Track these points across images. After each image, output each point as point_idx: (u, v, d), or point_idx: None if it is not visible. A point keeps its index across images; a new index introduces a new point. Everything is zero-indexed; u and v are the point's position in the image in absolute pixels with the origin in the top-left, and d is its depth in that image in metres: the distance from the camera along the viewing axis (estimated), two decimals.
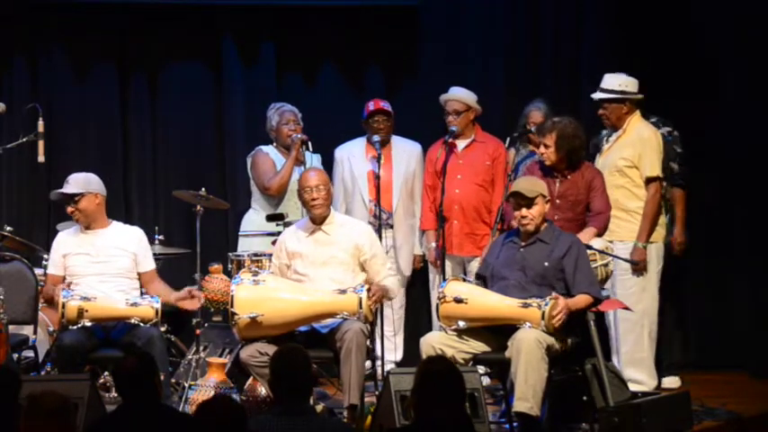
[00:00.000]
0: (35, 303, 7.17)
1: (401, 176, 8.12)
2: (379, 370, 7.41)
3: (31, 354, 7.16)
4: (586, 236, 7.02)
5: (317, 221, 6.98)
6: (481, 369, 6.77)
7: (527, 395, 6.27)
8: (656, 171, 7.55)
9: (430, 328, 7.67)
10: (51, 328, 7.51)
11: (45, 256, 7.46)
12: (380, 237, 7.48)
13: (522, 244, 6.70)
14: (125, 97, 8.84)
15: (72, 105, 8.78)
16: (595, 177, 7.27)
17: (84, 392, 5.85)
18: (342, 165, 8.18)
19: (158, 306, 6.81)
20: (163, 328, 6.95)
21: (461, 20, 8.85)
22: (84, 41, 8.73)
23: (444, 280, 7.01)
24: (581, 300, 6.54)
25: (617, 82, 7.64)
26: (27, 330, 7.21)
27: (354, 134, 8.23)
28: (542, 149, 7.22)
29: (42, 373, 7.11)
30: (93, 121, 8.81)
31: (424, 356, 6.34)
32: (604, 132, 7.81)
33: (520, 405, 6.29)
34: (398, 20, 8.84)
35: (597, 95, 7.65)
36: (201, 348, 7.56)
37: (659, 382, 7.72)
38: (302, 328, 6.81)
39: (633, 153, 7.55)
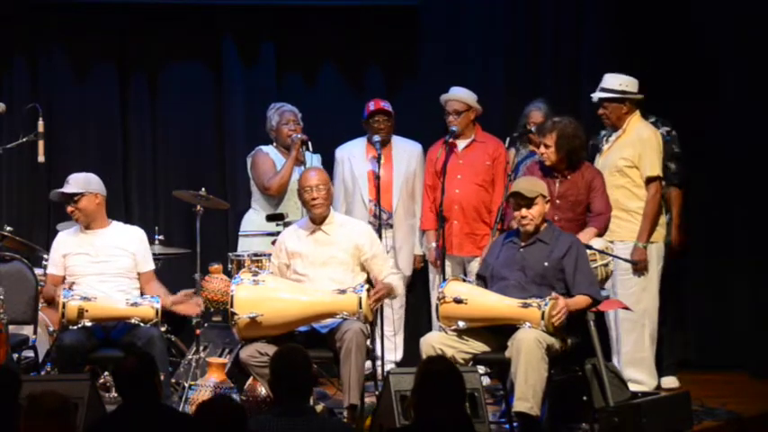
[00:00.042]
0: (35, 303, 7.17)
1: (401, 176, 8.12)
2: (379, 370, 7.41)
3: (31, 354, 7.16)
4: (587, 236, 7.02)
5: (317, 221, 6.97)
6: (481, 369, 6.77)
7: (527, 395, 6.27)
8: (656, 171, 7.55)
9: (430, 328, 7.67)
10: (51, 328, 7.51)
11: (45, 256, 7.46)
12: (380, 237, 7.48)
13: (522, 244, 6.70)
14: (125, 97, 8.84)
15: (72, 105, 8.78)
16: (595, 178, 7.27)
17: (84, 392, 5.85)
18: (342, 165, 8.18)
19: (158, 306, 6.81)
20: (163, 328, 6.95)
21: (461, 20, 8.85)
22: (84, 41, 8.74)
23: (444, 280, 7.01)
24: (580, 300, 6.54)
25: (617, 82, 7.64)
26: (27, 330, 7.21)
27: (354, 134, 8.23)
28: (542, 149, 7.22)
29: (42, 373, 7.11)
30: (93, 121, 8.81)
31: (424, 356, 6.34)
32: (603, 133, 7.81)
33: (520, 405, 6.29)
34: (398, 20, 8.85)
35: (597, 95, 7.65)
36: (201, 348, 7.56)
37: (659, 382, 7.72)
38: (302, 328, 6.81)
39: (633, 153, 7.56)
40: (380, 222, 7.73)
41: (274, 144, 8.07)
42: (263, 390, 6.88)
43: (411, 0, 8.86)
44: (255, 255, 7.61)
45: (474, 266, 7.72)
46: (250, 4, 8.85)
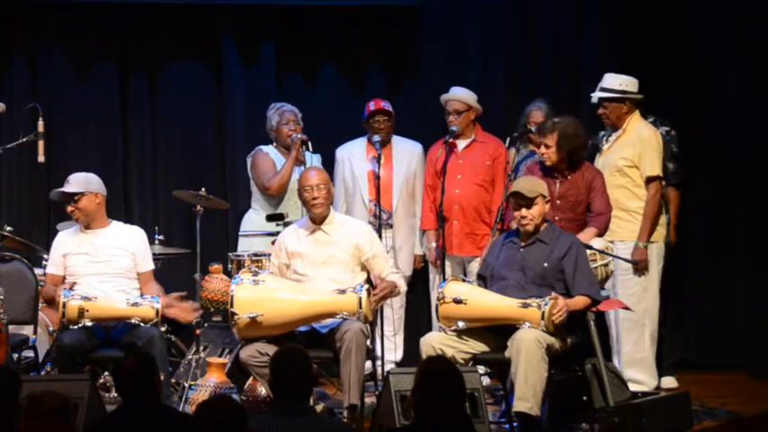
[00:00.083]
0: (35, 303, 7.17)
1: (402, 176, 8.12)
2: (379, 370, 7.41)
3: (31, 354, 7.16)
4: (587, 236, 7.02)
5: (317, 221, 6.97)
6: (481, 369, 6.76)
7: (527, 395, 6.27)
8: (656, 171, 7.55)
9: (430, 328, 7.67)
10: (51, 328, 7.51)
11: (45, 256, 7.46)
12: (380, 237, 7.48)
13: (522, 244, 6.70)
14: (125, 97, 8.85)
15: (72, 105, 8.78)
16: (596, 178, 7.27)
17: (84, 392, 5.85)
18: (342, 165, 8.18)
19: (159, 306, 6.81)
20: (163, 328, 6.95)
21: (461, 20, 8.85)
22: (84, 41, 8.74)
23: (444, 280, 7.01)
24: (580, 301, 6.54)
25: (617, 82, 7.64)
26: (27, 330, 7.21)
27: (354, 134, 8.23)
28: (543, 149, 7.22)
29: (42, 373, 7.10)
30: (93, 121, 8.81)
31: (424, 356, 6.34)
32: (603, 133, 7.81)
33: (520, 405, 6.29)
34: (398, 20, 8.85)
35: (597, 95, 7.65)
36: (201, 348, 7.56)
37: (659, 383, 7.73)
38: (302, 328, 6.81)
39: (633, 153, 7.56)
40: (380, 222, 7.73)
41: (274, 144, 8.07)
42: (263, 390, 6.88)
43: (411, 0, 8.86)
44: (255, 255, 7.61)
45: (474, 266, 7.73)
46: (250, 4, 8.85)
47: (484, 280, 6.78)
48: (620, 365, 7.48)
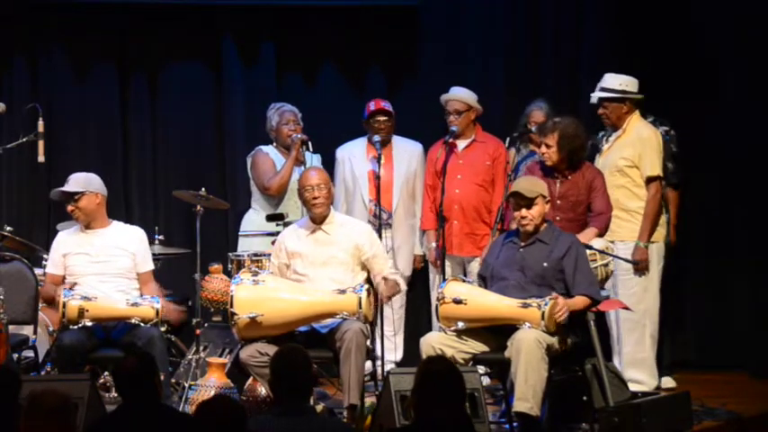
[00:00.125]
0: (35, 303, 7.17)
1: (402, 176, 8.12)
2: (379, 370, 7.41)
3: (31, 354, 7.16)
4: (587, 236, 7.02)
5: (318, 221, 6.97)
6: (481, 369, 6.76)
7: (527, 395, 6.27)
8: (656, 170, 7.55)
9: (430, 328, 7.66)
10: (51, 328, 7.51)
11: (45, 256, 7.46)
12: (380, 237, 7.48)
13: (522, 244, 6.70)
14: (125, 97, 8.84)
15: (72, 105, 8.78)
16: (596, 178, 7.27)
17: (84, 392, 5.85)
18: (343, 165, 8.18)
19: (159, 306, 6.81)
20: (163, 328, 6.95)
21: (461, 20, 8.85)
22: (84, 41, 8.74)
23: (444, 280, 7.01)
24: (580, 301, 6.54)
25: (617, 82, 7.64)
26: (27, 330, 7.21)
27: (355, 134, 8.23)
28: (544, 149, 7.21)
29: (42, 373, 7.10)
30: (93, 121, 8.81)
31: (424, 356, 6.34)
32: (602, 133, 7.81)
33: (520, 405, 6.29)
34: (398, 20, 8.85)
35: (597, 95, 7.65)
36: (201, 348, 7.56)
37: (659, 383, 7.73)
38: (302, 328, 6.81)
39: (633, 153, 7.56)
40: (380, 222, 7.73)
41: (274, 144, 8.07)
42: (263, 390, 6.88)
43: (411, 0, 8.86)
44: (255, 255, 7.61)
45: (474, 266, 7.73)
46: (250, 4, 8.85)
47: (484, 280, 6.78)
48: (621, 366, 7.48)
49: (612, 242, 7.23)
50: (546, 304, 6.39)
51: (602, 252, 6.87)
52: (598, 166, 7.51)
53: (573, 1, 8.89)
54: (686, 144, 8.13)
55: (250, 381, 7.00)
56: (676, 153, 7.93)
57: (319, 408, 6.67)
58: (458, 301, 6.54)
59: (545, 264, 6.61)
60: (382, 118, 8.05)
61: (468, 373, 5.95)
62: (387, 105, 8.07)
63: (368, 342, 6.72)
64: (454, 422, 4.54)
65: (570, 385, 6.65)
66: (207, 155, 8.92)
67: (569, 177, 7.23)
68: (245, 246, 7.95)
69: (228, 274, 7.61)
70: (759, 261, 8.47)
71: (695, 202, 8.38)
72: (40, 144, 7.46)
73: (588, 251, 6.75)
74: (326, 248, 6.93)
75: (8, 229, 7.58)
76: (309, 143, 7.89)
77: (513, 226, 6.91)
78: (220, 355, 7.57)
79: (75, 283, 6.92)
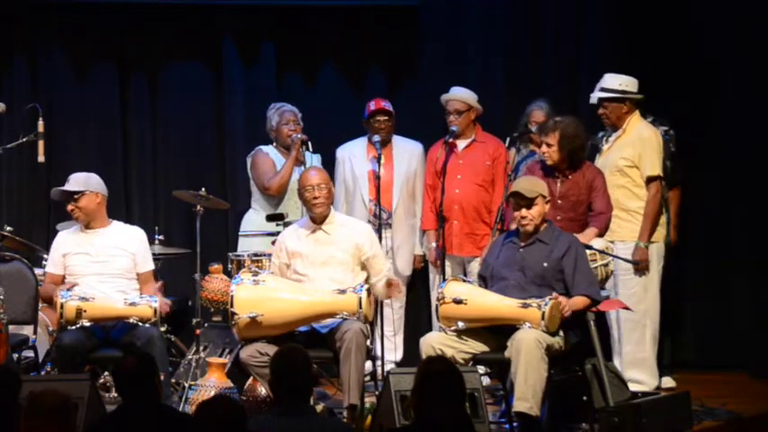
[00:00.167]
0: (35, 303, 7.17)
1: (402, 176, 8.12)
2: (379, 370, 7.41)
3: (31, 354, 7.16)
4: (587, 236, 7.02)
5: (318, 221, 6.97)
6: (481, 369, 6.76)
7: (527, 395, 6.27)
8: (656, 170, 7.55)
9: (430, 328, 7.67)
10: (51, 328, 7.51)
11: (45, 256, 7.46)
12: (380, 236, 7.48)
13: (522, 244, 6.70)
14: (125, 97, 8.84)
15: (72, 105, 8.78)
16: (596, 177, 7.27)
17: (84, 392, 5.85)
18: (343, 164, 8.18)
19: (156, 305, 6.81)
20: (163, 328, 6.95)
21: (461, 20, 8.85)
22: (84, 41, 8.73)
23: (444, 280, 7.01)
24: (580, 301, 6.54)
25: (617, 82, 7.64)
26: (27, 330, 7.21)
27: (355, 134, 8.23)
28: (544, 148, 7.21)
29: (42, 373, 7.10)
30: (93, 121, 8.81)
31: (424, 356, 6.34)
32: (602, 133, 7.81)
33: (520, 405, 6.29)
34: (398, 20, 8.84)
35: (597, 95, 7.65)
36: (201, 348, 7.56)
37: (659, 383, 7.73)
38: (302, 328, 6.81)
39: (633, 153, 7.56)
40: (380, 222, 7.73)
41: (274, 144, 8.07)
42: (263, 390, 6.88)
43: (411, 0, 8.86)
44: (255, 255, 7.61)
45: (474, 266, 7.73)
46: (250, 4, 8.85)
47: (484, 280, 6.78)
48: (622, 366, 7.47)
49: (612, 242, 7.23)
50: (546, 304, 6.39)
51: (602, 252, 6.87)
52: (598, 166, 7.51)
53: (573, 1, 8.89)
54: (686, 144, 8.13)
55: (250, 381, 7.00)
56: (675, 153, 7.93)
57: (319, 408, 6.67)
58: (458, 301, 6.54)
59: (545, 264, 6.61)
60: (382, 118, 8.05)
61: (468, 373, 5.95)
62: (387, 105, 8.07)
63: (368, 342, 6.72)
64: (454, 422, 4.54)
65: (570, 385, 6.65)
66: (207, 155, 8.92)
67: (570, 177, 7.23)
68: (245, 246, 7.95)
69: (228, 274, 7.61)
70: (759, 261, 8.47)
71: (695, 202, 8.38)
72: (40, 144, 7.46)
73: (588, 251, 6.75)
74: (327, 248, 6.93)
75: (8, 229, 7.58)
76: (309, 143, 7.89)
77: (513, 226, 6.91)
78: (220, 355, 7.57)
79: (74, 284, 6.92)
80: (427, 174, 8.04)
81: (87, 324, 6.75)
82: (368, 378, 7.14)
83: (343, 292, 6.70)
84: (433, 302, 7.37)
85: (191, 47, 8.85)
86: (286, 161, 7.92)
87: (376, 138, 7.94)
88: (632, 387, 7.01)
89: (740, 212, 8.60)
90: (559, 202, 7.18)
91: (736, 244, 8.60)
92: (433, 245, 7.88)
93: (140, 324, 6.77)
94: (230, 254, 7.81)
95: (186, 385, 7.24)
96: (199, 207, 7.68)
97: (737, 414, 7.08)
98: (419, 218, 8.12)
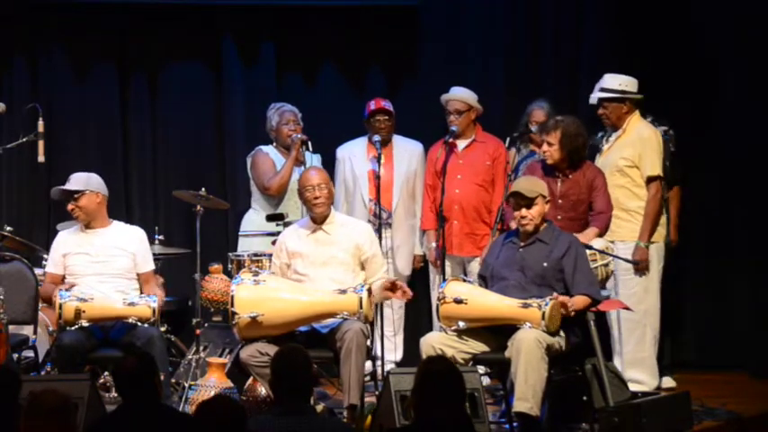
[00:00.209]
0: (35, 303, 7.17)
1: (402, 176, 8.12)
2: (379, 370, 7.41)
3: (31, 354, 7.16)
4: (588, 236, 7.02)
5: (318, 221, 6.97)
6: (481, 369, 6.76)
7: (527, 395, 6.27)
8: (656, 170, 7.55)
9: (430, 328, 7.67)
10: (51, 328, 7.51)
11: (45, 256, 7.46)
12: (380, 236, 7.49)
13: (522, 244, 6.70)
14: (125, 97, 8.84)
15: (72, 105, 8.78)
16: (597, 177, 7.27)
17: (84, 392, 5.85)
18: (343, 164, 8.18)
19: (155, 305, 6.80)
20: (163, 328, 6.94)
21: (461, 20, 8.85)
22: (84, 41, 8.73)
23: (444, 280, 7.01)
24: (580, 300, 6.54)
25: (617, 82, 7.64)
26: (27, 330, 7.21)
27: (355, 134, 8.23)
28: (545, 147, 7.22)
29: (42, 373, 7.10)
30: (93, 121, 8.81)
31: (424, 356, 6.34)
32: (601, 133, 7.81)
33: (520, 405, 6.29)
34: (398, 20, 8.84)
35: (596, 95, 7.65)
36: (201, 348, 7.56)
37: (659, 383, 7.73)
38: (302, 328, 6.81)
39: (633, 153, 7.56)
40: (380, 222, 7.73)
41: (274, 144, 8.07)
42: (263, 390, 6.88)
43: (411, 0, 8.86)
44: (255, 255, 7.61)
45: (474, 266, 7.73)
46: (250, 4, 8.85)
47: (484, 280, 6.78)
48: (622, 366, 7.47)
49: (612, 242, 7.23)
50: (546, 304, 6.39)
51: (602, 252, 6.87)
52: (598, 166, 7.51)
53: (573, 1, 8.89)
54: (686, 144, 8.13)
55: (250, 381, 7.01)
56: (675, 152, 7.93)
57: (319, 408, 6.67)
58: (458, 301, 6.55)
59: (545, 264, 6.61)
60: (383, 117, 8.05)
61: (468, 373, 5.95)
62: (387, 105, 8.07)
63: (368, 342, 6.72)
64: (454, 422, 4.54)
65: (570, 385, 6.65)
66: (207, 155, 8.92)
67: (570, 176, 7.23)
68: (245, 246, 7.95)
69: (228, 274, 7.61)
70: (759, 261, 8.47)
71: (695, 202, 8.38)
72: (40, 144, 7.46)
73: (588, 251, 6.75)
74: (327, 248, 6.93)
75: (8, 229, 7.59)
76: (309, 143, 7.89)
77: (514, 225, 6.91)
78: (220, 355, 7.57)
79: (73, 284, 6.91)
80: (427, 174, 8.04)
81: (86, 324, 6.75)
82: (368, 378, 7.14)
83: (343, 292, 6.70)
84: (434, 302, 7.36)
85: (191, 47, 8.85)
86: (286, 161, 7.92)
87: (376, 137, 7.94)
88: (632, 387, 7.01)
89: (740, 212, 8.60)
90: (560, 201, 7.18)
91: (736, 244, 8.60)
92: (433, 245, 7.88)
93: (139, 324, 6.77)
94: (230, 254, 7.81)
95: (186, 385, 7.25)
96: (199, 207, 7.68)
97: (737, 414, 7.08)
98: (419, 218, 8.12)
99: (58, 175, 7.77)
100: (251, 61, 8.85)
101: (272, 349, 6.37)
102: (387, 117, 8.06)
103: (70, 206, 7.06)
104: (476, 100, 7.97)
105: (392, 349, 8.03)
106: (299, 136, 7.89)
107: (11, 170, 8.65)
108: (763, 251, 8.43)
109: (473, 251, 7.87)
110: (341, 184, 8.11)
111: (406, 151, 8.16)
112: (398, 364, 7.89)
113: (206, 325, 7.77)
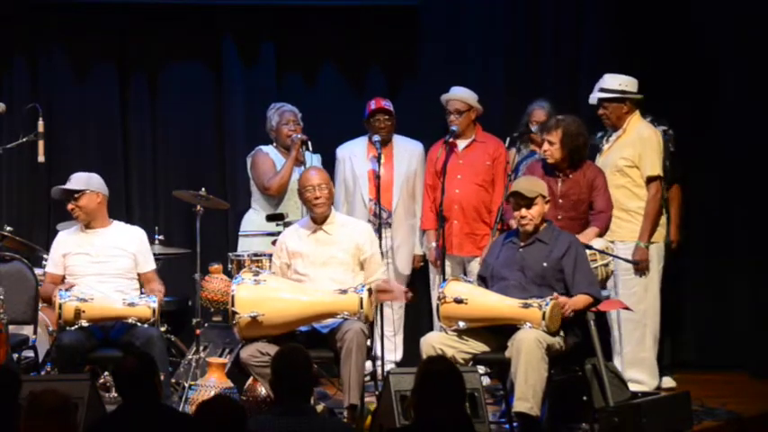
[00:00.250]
0: (35, 303, 7.17)
1: (402, 176, 8.12)
2: (379, 370, 7.41)
3: (31, 354, 7.16)
4: (588, 236, 7.02)
5: (319, 221, 6.97)
6: (481, 369, 6.76)
7: (527, 395, 6.27)
8: (656, 170, 7.55)
9: (430, 328, 7.67)
10: (51, 328, 7.51)
11: (45, 256, 7.46)
12: (380, 236, 7.49)
13: (522, 244, 6.70)
14: (125, 97, 8.84)
15: (72, 105, 8.78)
16: (597, 176, 7.27)
17: (84, 392, 5.85)
18: (343, 164, 8.18)
19: (155, 305, 6.80)
20: (163, 328, 6.94)
21: (461, 20, 8.85)
22: (84, 41, 8.73)
23: (444, 280, 7.01)
24: (580, 300, 6.54)
25: (617, 82, 7.64)
26: (27, 330, 7.21)
27: (355, 134, 8.23)
28: (546, 146, 7.21)
29: (42, 373, 7.11)
30: (93, 121, 8.81)
31: (424, 356, 6.34)
32: (600, 133, 7.81)
33: (520, 405, 6.29)
34: (398, 20, 8.85)
35: (596, 95, 7.65)
36: (201, 348, 7.56)
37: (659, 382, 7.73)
38: (303, 328, 6.81)
39: (633, 153, 7.56)
40: (380, 221, 7.73)
41: (274, 144, 8.07)
42: (263, 390, 6.88)
43: (411, 0, 8.86)
44: (255, 255, 7.61)
45: (474, 266, 7.73)
46: (250, 4, 8.85)
47: (484, 280, 6.78)
48: (622, 366, 7.47)
49: (612, 242, 7.23)
50: (547, 304, 6.39)
51: (602, 252, 6.87)
52: (598, 166, 7.51)
53: (573, 1, 8.89)
54: (686, 144, 8.13)
55: (250, 381, 7.01)
56: (674, 152, 7.93)
57: (320, 408, 6.67)
58: (459, 301, 6.55)
59: (545, 264, 6.61)
60: (383, 117, 8.05)
61: (468, 373, 5.95)
62: (387, 104, 8.08)
63: (368, 342, 6.71)
64: (454, 422, 4.54)
65: (570, 385, 6.65)
66: (207, 155, 8.92)
67: (571, 176, 7.23)
68: (245, 246, 7.95)
69: (228, 274, 7.61)
70: (759, 261, 8.47)
71: (695, 202, 8.38)
72: (40, 144, 7.46)
73: (588, 251, 6.75)
74: (327, 248, 6.93)
75: (8, 229, 7.59)
76: (309, 143, 7.89)
77: (514, 225, 6.91)
78: (220, 355, 7.57)
79: (72, 284, 6.91)
80: (427, 173, 8.04)
81: (86, 324, 6.75)
82: (368, 378, 7.14)
83: (344, 292, 6.70)
84: (434, 302, 7.36)
85: (191, 47, 8.85)
86: (286, 161, 7.92)
87: (376, 137, 7.94)
88: (632, 387, 7.01)
89: (740, 212, 8.60)
90: (560, 201, 7.18)
91: (736, 244, 8.60)
92: (433, 245, 7.88)
93: (139, 324, 6.77)
94: (230, 254, 7.81)
95: (186, 385, 7.25)
96: (199, 207, 7.68)
97: (737, 414, 7.08)
98: (419, 217, 8.12)
99: (58, 175, 7.78)
100: (251, 61, 8.85)
101: (272, 349, 6.37)
102: (387, 117, 8.06)
103: (70, 206, 7.06)
104: (476, 100, 7.97)
105: (392, 349, 8.03)
106: (299, 136, 7.89)
107: (11, 170, 8.65)
108: (763, 251, 8.43)
109: (473, 251, 7.87)
110: (341, 184, 8.11)
111: (406, 151, 8.16)
112: (398, 364, 7.89)
113: (206, 325, 7.77)
